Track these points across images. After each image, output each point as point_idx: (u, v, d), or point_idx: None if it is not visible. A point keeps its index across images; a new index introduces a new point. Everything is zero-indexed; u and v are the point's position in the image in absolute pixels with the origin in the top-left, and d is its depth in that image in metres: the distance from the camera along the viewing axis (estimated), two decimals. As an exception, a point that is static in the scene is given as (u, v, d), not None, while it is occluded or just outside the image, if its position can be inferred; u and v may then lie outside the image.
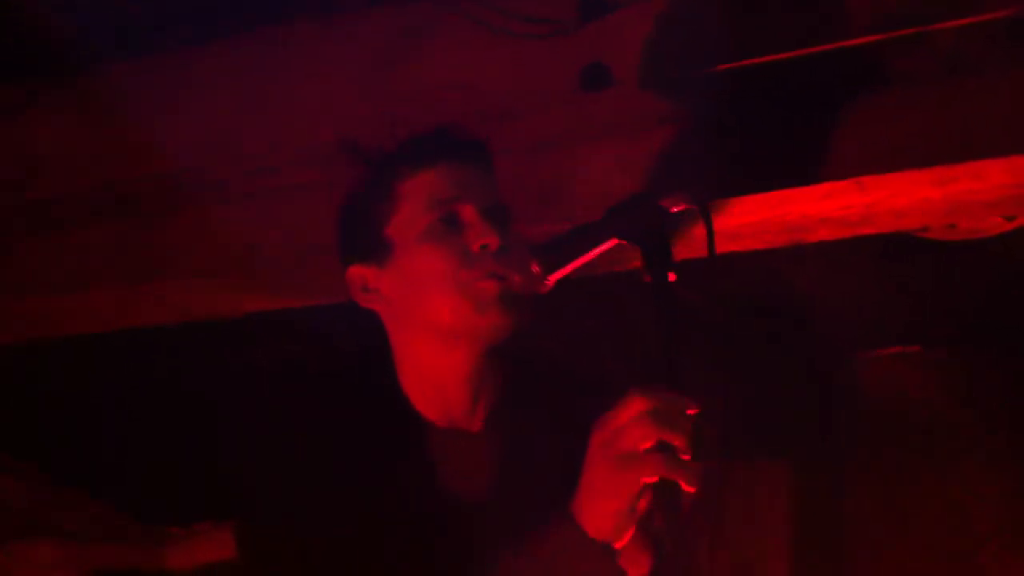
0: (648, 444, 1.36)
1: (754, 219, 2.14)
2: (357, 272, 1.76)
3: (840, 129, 2.03)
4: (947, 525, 3.63)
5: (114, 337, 2.87)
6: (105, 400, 3.41)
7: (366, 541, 1.58)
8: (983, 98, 1.94)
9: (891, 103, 2.00)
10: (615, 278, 2.12)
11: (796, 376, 3.76)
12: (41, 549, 3.53)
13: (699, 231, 1.57)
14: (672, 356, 1.44)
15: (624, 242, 1.52)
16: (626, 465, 1.37)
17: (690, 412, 1.38)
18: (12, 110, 2.67)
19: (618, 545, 1.41)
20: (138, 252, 2.59)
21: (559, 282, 1.55)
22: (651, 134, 2.13)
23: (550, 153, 2.24)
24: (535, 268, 1.53)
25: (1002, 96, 1.92)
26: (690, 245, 1.78)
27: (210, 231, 2.50)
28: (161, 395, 3.44)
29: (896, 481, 3.71)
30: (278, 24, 2.44)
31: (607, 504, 1.39)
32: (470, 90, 2.26)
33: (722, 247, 2.22)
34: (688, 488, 1.34)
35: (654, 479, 1.36)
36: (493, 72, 2.24)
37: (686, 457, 1.35)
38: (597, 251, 1.54)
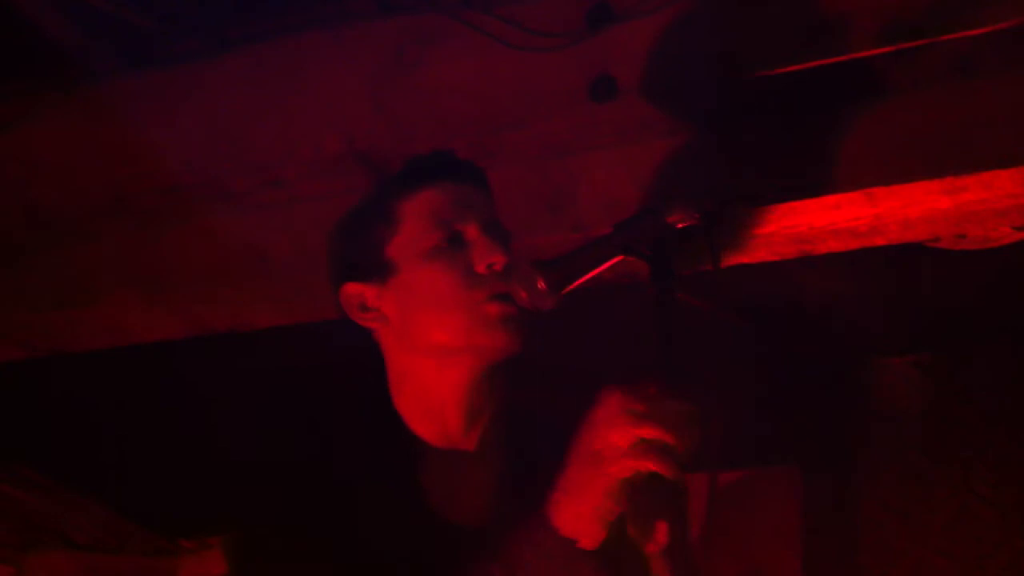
0: (626, 441, 1.36)
1: (763, 231, 2.14)
2: (354, 290, 1.73)
3: (848, 140, 2.02)
4: (956, 530, 3.64)
5: (120, 344, 2.87)
6: (108, 405, 3.41)
7: (356, 562, 1.57)
8: (992, 108, 1.93)
9: (899, 113, 2.00)
10: (617, 284, 2.12)
11: (805, 381, 3.76)
12: (55, 560, 3.52)
13: (707, 244, 1.58)
14: (674, 367, 1.44)
15: (630, 258, 1.52)
16: (598, 461, 1.38)
17: (674, 406, 1.38)
18: (16, 115, 2.67)
19: (591, 546, 1.41)
20: (143, 260, 2.59)
21: (564, 298, 1.54)
22: (658, 144, 2.14)
23: (558, 161, 2.24)
24: (541, 285, 1.52)
25: (1011, 105, 1.92)
26: (698, 257, 1.78)
27: (217, 238, 2.50)
28: (165, 402, 3.44)
29: (905, 486, 3.71)
30: (287, 34, 2.44)
31: (579, 503, 1.41)
32: (478, 99, 2.25)
33: (731, 259, 2.23)
34: (670, 477, 1.34)
35: (626, 474, 1.36)
36: (501, 81, 2.24)
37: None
38: (602, 267, 1.54)
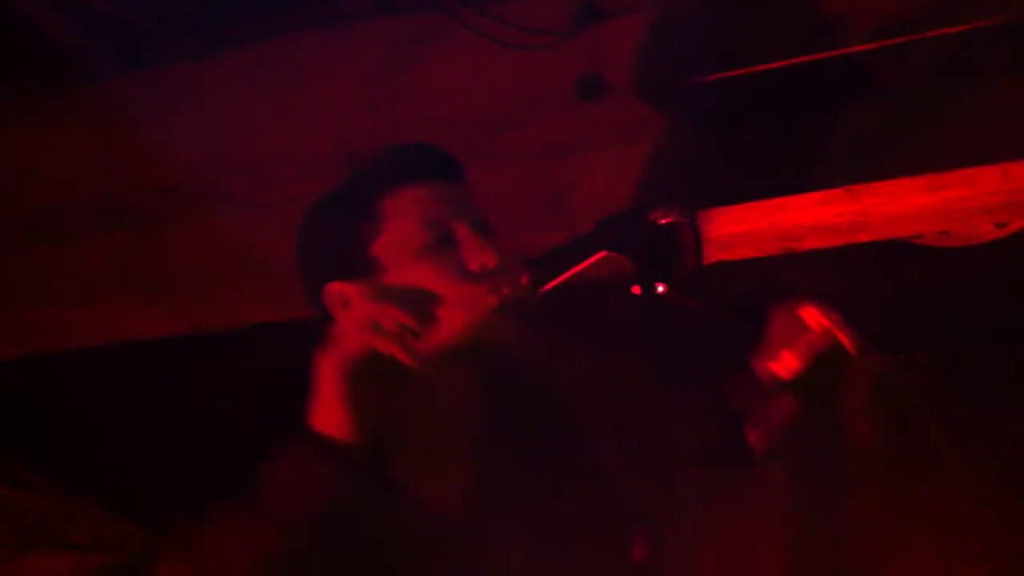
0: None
1: (746, 228, 2.13)
2: (338, 289, 1.66)
3: (832, 137, 2.03)
4: (951, 531, 3.63)
5: (120, 344, 2.89)
6: (108, 405, 3.42)
7: (355, 562, 1.57)
8: (975, 104, 1.94)
9: (883, 110, 2.01)
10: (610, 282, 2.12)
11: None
12: (54, 560, 3.53)
13: (691, 241, 1.58)
14: (662, 365, 1.45)
15: (613, 254, 1.52)
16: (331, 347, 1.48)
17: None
18: (16, 115, 2.69)
19: (357, 442, 1.47)
20: (143, 260, 2.61)
21: (549, 294, 1.55)
22: (649, 142, 2.15)
23: (557, 161, 2.26)
24: (524, 281, 1.53)
25: (994, 102, 1.93)
26: (681, 255, 1.79)
27: (216, 238, 2.52)
28: (165, 402, 3.45)
29: (896, 485, 3.71)
30: (284, 35, 2.45)
31: (326, 396, 1.49)
32: (477, 99, 2.27)
33: (714, 256, 2.22)
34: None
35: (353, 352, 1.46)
36: (500, 81, 2.26)
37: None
38: (586, 263, 1.54)
